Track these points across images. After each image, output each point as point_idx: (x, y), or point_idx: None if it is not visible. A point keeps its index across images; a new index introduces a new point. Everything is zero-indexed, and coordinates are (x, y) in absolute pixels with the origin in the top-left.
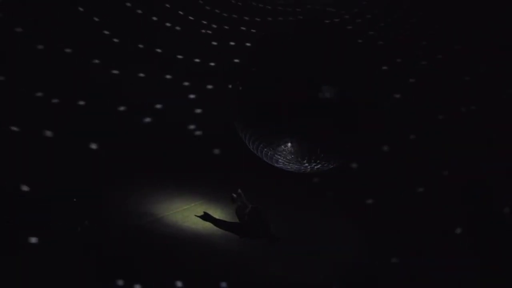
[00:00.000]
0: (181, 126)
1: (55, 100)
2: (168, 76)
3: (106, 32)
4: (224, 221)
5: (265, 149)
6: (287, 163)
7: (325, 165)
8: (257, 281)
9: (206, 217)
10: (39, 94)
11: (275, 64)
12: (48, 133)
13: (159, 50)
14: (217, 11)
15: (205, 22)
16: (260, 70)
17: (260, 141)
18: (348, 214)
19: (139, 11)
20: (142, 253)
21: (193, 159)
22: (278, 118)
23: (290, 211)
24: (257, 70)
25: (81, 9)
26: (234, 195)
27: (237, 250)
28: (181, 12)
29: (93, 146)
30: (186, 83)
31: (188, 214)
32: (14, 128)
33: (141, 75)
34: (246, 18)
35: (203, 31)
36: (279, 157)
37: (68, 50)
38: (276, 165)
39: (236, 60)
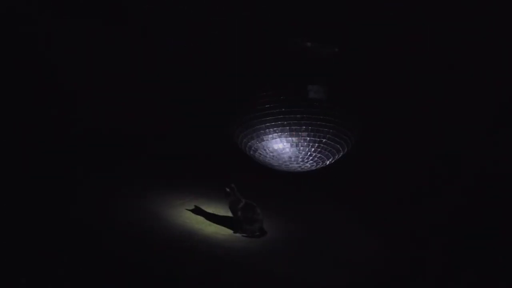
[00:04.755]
0: (172, 122)
1: None
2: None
3: None
4: (217, 216)
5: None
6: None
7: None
8: (249, 275)
9: (198, 211)
10: None
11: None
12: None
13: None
14: None
15: None
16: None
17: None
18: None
19: None
20: (135, 248)
21: (185, 153)
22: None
23: (287, 208)
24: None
25: None
26: (228, 190)
27: (229, 245)
28: None
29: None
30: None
31: (181, 209)
32: None
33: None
34: None
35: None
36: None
37: None
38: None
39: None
